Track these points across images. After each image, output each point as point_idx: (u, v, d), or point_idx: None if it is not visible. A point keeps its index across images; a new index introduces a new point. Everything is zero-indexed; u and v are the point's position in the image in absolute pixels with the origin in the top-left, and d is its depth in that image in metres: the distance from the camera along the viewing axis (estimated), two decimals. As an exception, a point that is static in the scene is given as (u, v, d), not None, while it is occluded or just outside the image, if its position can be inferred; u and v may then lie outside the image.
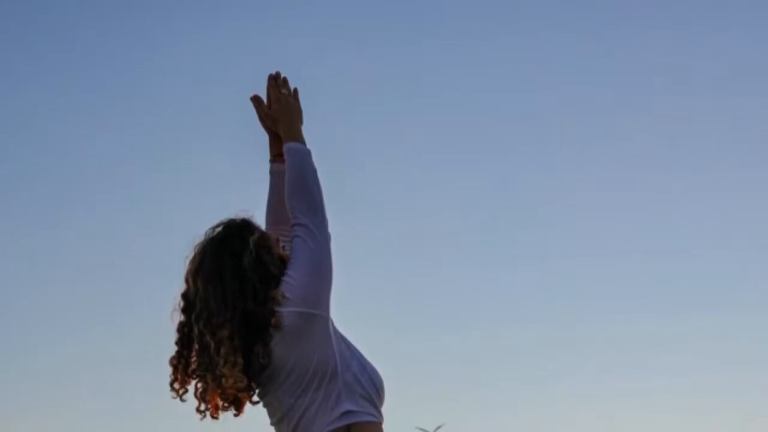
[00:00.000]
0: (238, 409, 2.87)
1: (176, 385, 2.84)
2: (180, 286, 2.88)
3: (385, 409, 2.90)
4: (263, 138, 3.16)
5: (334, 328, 2.87)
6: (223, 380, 2.75)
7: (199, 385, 2.82)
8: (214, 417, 2.85)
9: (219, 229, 2.91)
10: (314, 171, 2.94)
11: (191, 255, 2.88)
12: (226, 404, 2.84)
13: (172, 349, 2.87)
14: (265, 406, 2.90)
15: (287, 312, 2.77)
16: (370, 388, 2.85)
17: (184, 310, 2.85)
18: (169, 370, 2.85)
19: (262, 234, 2.92)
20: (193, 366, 2.82)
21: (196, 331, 2.80)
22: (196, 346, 2.81)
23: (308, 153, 2.98)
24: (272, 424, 2.90)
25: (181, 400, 2.85)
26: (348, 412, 2.79)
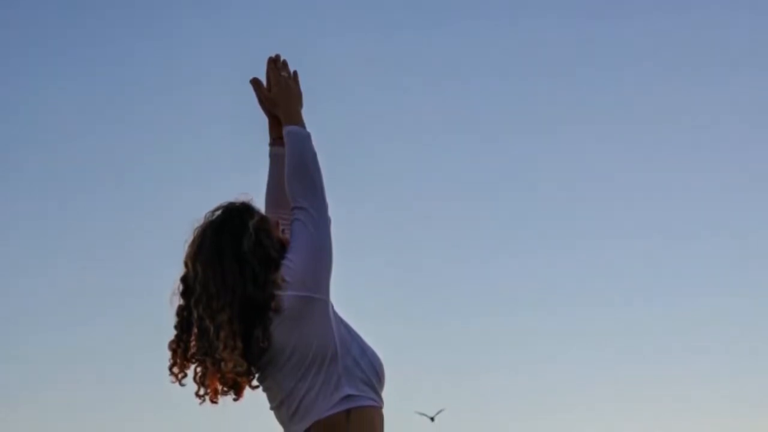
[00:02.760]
0: (238, 394, 2.85)
1: (175, 369, 2.83)
2: (179, 270, 2.86)
3: (386, 393, 2.89)
4: (263, 121, 3.13)
5: (334, 312, 2.85)
6: (223, 364, 2.73)
7: (199, 369, 2.81)
8: (214, 401, 2.83)
9: (218, 212, 2.89)
10: (314, 154, 2.92)
11: (190, 238, 2.86)
12: (225, 388, 2.82)
13: (171, 334, 2.85)
14: (264, 390, 2.88)
15: (287, 296, 2.75)
16: (370, 372, 2.84)
17: (183, 294, 2.83)
18: (168, 354, 2.84)
19: (262, 217, 2.90)
20: (193, 350, 2.80)
21: (195, 315, 2.78)
22: (196, 330, 2.79)
23: (308, 136, 2.95)
24: (272, 408, 2.89)
25: (180, 384, 2.83)
26: (348, 397, 2.78)
